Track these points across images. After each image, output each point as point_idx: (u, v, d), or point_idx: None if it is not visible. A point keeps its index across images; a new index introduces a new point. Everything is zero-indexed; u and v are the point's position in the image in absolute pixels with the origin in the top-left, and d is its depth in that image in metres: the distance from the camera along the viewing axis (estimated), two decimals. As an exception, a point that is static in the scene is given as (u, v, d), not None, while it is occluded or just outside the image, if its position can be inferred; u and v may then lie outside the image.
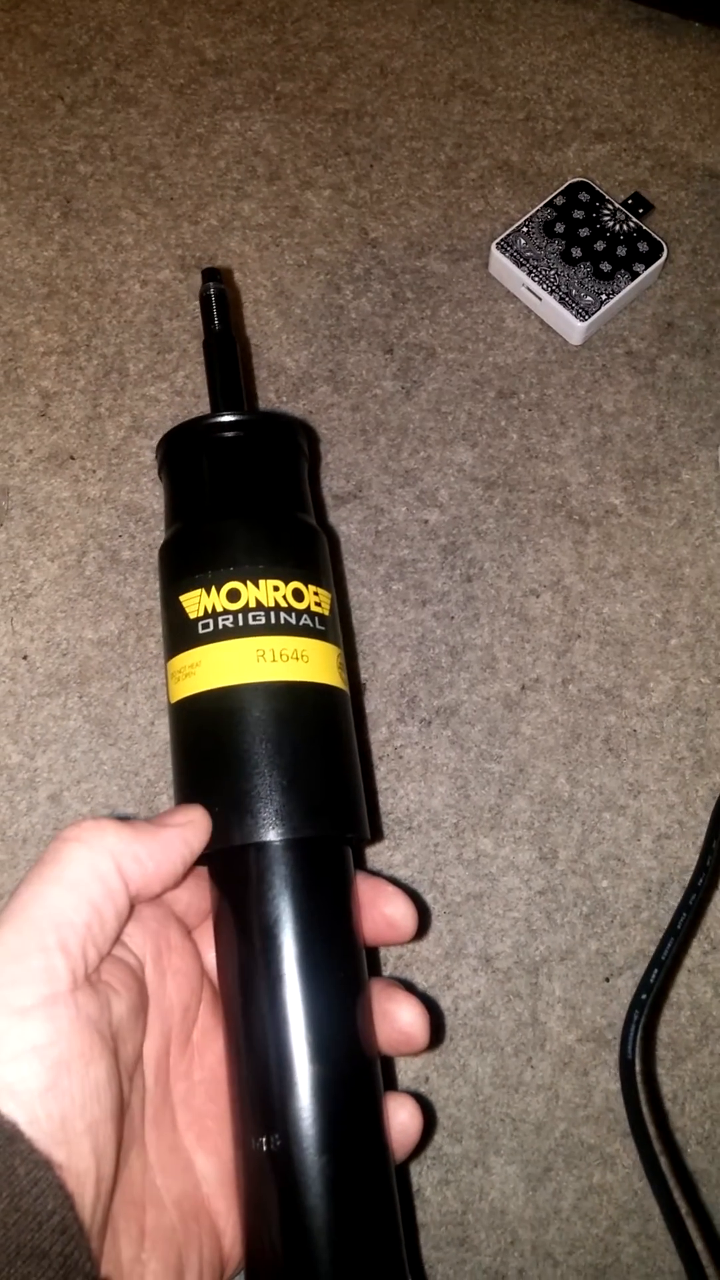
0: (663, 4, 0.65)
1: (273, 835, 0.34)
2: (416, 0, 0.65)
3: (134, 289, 0.57)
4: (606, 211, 0.56)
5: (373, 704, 0.49)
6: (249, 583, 0.37)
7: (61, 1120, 0.27)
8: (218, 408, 0.44)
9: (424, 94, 0.63)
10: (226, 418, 0.41)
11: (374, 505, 0.52)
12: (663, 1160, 0.41)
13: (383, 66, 0.63)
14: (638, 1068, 0.40)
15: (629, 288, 0.55)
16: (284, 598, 0.37)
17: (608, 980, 0.45)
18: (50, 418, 0.54)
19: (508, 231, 0.56)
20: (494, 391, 0.55)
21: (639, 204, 0.58)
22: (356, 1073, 0.34)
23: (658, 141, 0.61)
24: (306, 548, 0.39)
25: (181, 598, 0.38)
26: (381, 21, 0.65)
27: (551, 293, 0.54)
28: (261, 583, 0.37)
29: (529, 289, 0.55)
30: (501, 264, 0.56)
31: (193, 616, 0.37)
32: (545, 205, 0.57)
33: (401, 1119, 0.35)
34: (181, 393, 0.54)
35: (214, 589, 0.37)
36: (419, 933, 0.39)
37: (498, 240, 0.56)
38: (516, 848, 0.47)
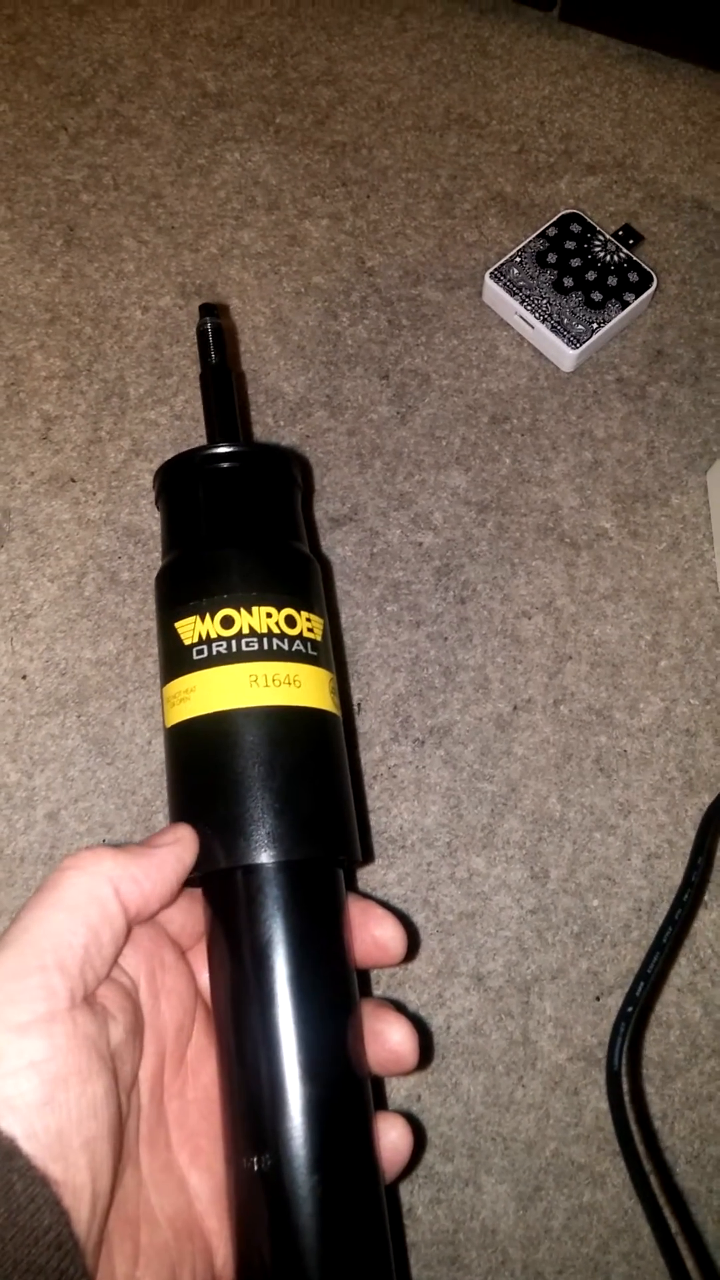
0: (652, 43, 0.66)
1: (265, 857, 0.35)
2: (413, 35, 0.67)
3: (135, 315, 0.58)
4: (598, 242, 0.58)
5: (367, 724, 0.49)
6: (243, 610, 0.38)
7: (59, 1135, 0.28)
8: (214, 439, 0.45)
9: (420, 127, 0.64)
10: (222, 449, 0.42)
11: (369, 528, 0.53)
12: (651, 1176, 0.41)
13: (380, 100, 0.65)
14: (624, 1081, 0.40)
15: (619, 316, 0.56)
16: (277, 624, 0.38)
17: (598, 999, 0.46)
18: (52, 441, 0.54)
19: (501, 261, 0.57)
20: (487, 417, 0.56)
21: (629, 235, 0.59)
22: (347, 1093, 0.34)
23: (648, 174, 0.63)
24: (299, 575, 0.40)
25: (177, 624, 0.39)
26: (379, 56, 0.66)
27: (544, 321, 0.55)
28: (255, 609, 0.38)
29: (522, 317, 0.56)
30: (495, 293, 0.57)
31: (187, 642, 0.38)
32: (538, 236, 0.58)
33: (392, 1138, 0.36)
34: (181, 417, 0.55)
35: (208, 616, 0.38)
36: (408, 955, 0.39)
37: (491, 269, 0.57)
38: (508, 867, 0.47)
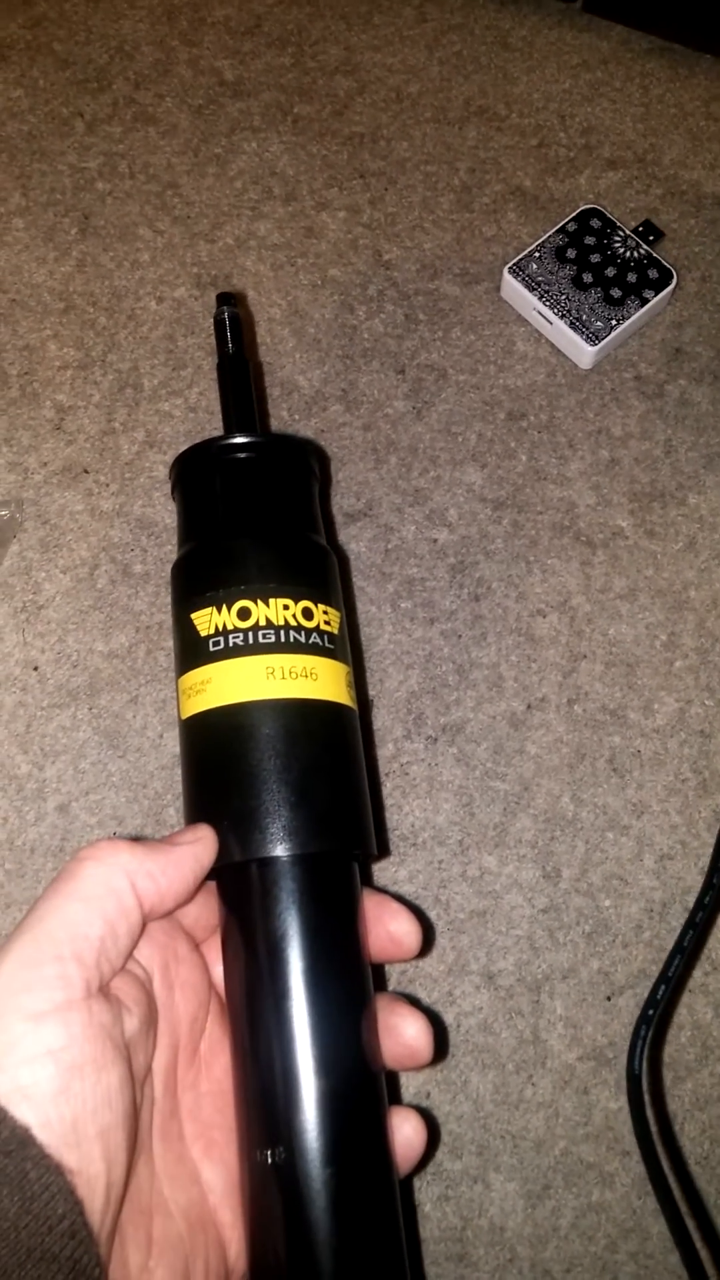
0: (675, 36, 0.66)
1: (280, 850, 0.35)
2: (433, 26, 0.66)
3: (150, 306, 0.57)
4: (617, 238, 0.57)
5: (380, 721, 0.49)
6: (259, 601, 0.38)
7: (73, 1124, 0.28)
8: (230, 429, 0.45)
9: (439, 119, 0.63)
10: (239, 439, 0.41)
11: (384, 524, 0.53)
12: (670, 1177, 0.41)
13: (399, 91, 0.64)
14: (645, 1083, 0.40)
15: (639, 314, 0.56)
16: (294, 616, 0.38)
17: (609, 999, 0.46)
18: (65, 431, 0.54)
19: (520, 256, 0.57)
20: (504, 413, 0.56)
21: (649, 231, 0.59)
22: (361, 1086, 0.34)
23: (669, 170, 0.62)
24: (316, 567, 0.40)
25: (193, 615, 0.38)
26: (398, 47, 0.66)
27: (562, 317, 0.55)
28: (272, 601, 0.38)
29: (540, 313, 0.56)
30: (513, 288, 0.57)
31: (203, 634, 0.38)
32: (557, 231, 0.57)
33: (406, 1133, 0.36)
34: (195, 409, 0.55)
35: (225, 607, 0.38)
36: (423, 950, 0.39)
37: (510, 265, 0.57)
38: (520, 866, 0.47)
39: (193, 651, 0.38)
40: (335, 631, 0.39)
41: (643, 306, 0.56)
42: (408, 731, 0.49)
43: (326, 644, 0.38)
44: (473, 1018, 0.45)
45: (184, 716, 0.38)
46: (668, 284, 0.56)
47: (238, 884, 0.36)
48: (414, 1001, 0.45)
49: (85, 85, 0.64)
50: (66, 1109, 0.28)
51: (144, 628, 0.50)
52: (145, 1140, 0.32)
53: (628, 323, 0.55)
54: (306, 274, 0.59)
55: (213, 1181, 0.34)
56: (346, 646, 0.41)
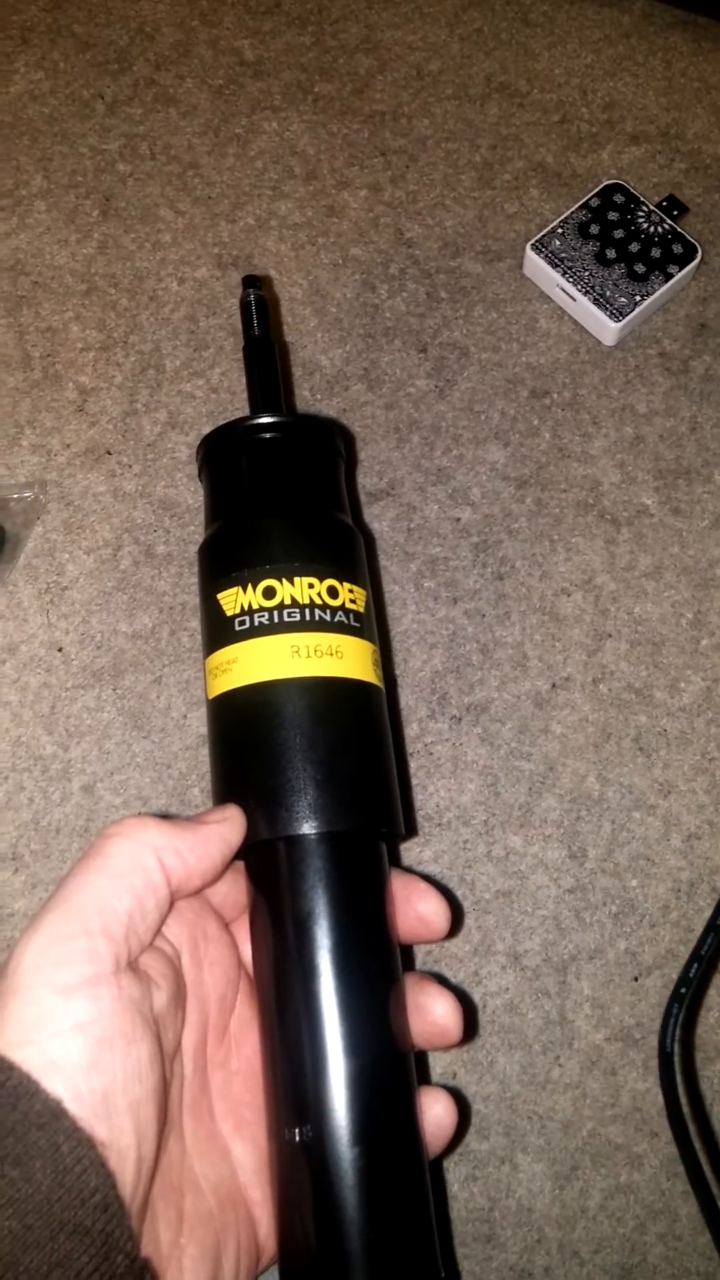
0: (699, 7, 0.65)
1: (307, 828, 0.35)
2: (453, 3, 0.66)
3: (171, 286, 0.57)
4: (641, 213, 0.56)
5: (404, 700, 0.49)
6: (285, 580, 0.37)
7: (104, 1097, 0.28)
8: (256, 410, 0.45)
9: (460, 96, 0.63)
10: (265, 419, 0.41)
11: (406, 503, 0.53)
12: (702, 1156, 0.41)
13: (419, 69, 0.64)
14: (677, 1062, 0.40)
15: (663, 289, 0.55)
16: (319, 595, 0.38)
17: (636, 980, 0.45)
18: (88, 413, 0.54)
19: (542, 233, 0.56)
20: (527, 391, 0.55)
21: (673, 206, 0.58)
22: (389, 1065, 0.34)
23: (692, 144, 0.61)
24: (342, 546, 0.40)
25: (219, 595, 0.38)
26: (419, 24, 0.65)
27: (586, 294, 0.55)
28: (297, 580, 0.38)
29: (563, 290, 0.55)
30: (536, 265, 0.56)
31: (229, 614, 0.38)
32: (580, 207, 0.57)
33: (436, 1113, 0.36)
34: (217, 389, 0.55)
35: (250, 587, 0.38)
36: (452, 931, 0.39)
37: (532, 241, 0.56)
38: (546, 846, 0.47)
39: (219, 631, 0.38)
40: (361, 610, 0.39)
41: (667, 282, 0.55)
42: (432, 711, 0.49)
43: (352, 622, 0.38)
44: (499, 998, 0.45)
45: (211, 696, 0.38)
46: (692, 259, 0.55)
47: (265, 863, 0.36)
48: (443, 981, 0.45)
49: (106, 67, 0.64)
50: (97, 1082, 0.28)
51: (167, 608, 0.50)
52: (176, 1116, 0.32)
53: (652, 298, 0.55)
54: (328, 253, 0.58)
55: (243, 1159, 0.34)
56: (373, 625, 0.40)
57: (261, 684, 0.36)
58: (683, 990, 0.40)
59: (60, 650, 0.49)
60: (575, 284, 0.55)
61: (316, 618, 0.37)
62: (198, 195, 0.60)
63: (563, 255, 0.56)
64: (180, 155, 0.61)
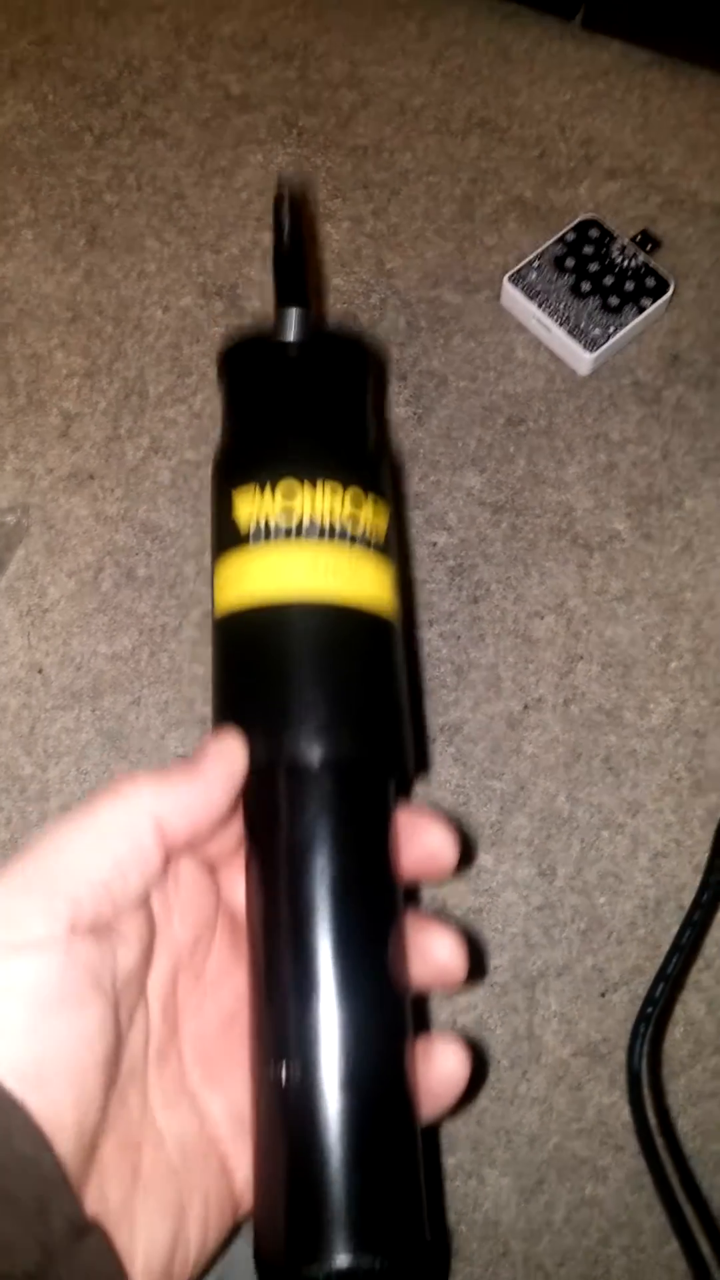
0: (675, 50, 0.66)
1: (311, 754, 0.32)
2: (435, 40, 0.67)
3: (156, 315, 0.58)
4: (615, 247, 0.58)
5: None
6: (306, 491, 0.34)
7: (42, 1063, 0.27)
8: (285, 324, 0.40)
9: (441, 131, 0.64)
10: (294, 328, 0.38)
11: (384, 527, 0.54)
12: (673, 1178, 0.42)
13: (402, 104, 0.65)
14: (645, 1079, 0.41)
15: (636, 321, 0.56)
16: (341, 509, 0.35)
17: (603, 996, 0.46)
18: (71, 438, 0.55)
19: (520, 265, 0.58)
20: (503, 419, 0.56)
21: (647, 240, 0.59)
22: (384, 1003, 0.32)
23: (667, 179, 0.63)
24: (368, 464, 0.37)
25: (235, 494, 0.35)
26: (401, 60, 0.67)
27: (561, 325, 0.56)
28: (320, 490, 0.35)
29: (539, 321, 0.57)
30: (513, 296, 0.57)
31: (244, 518, 0.35)
32: (556, 241, 0.58)
33: (448, 1065, 0.33)
34: (200, 415, 0.56)
35: (270, 490, 0.35)
36: (461, 864, 0.36)
37: (510, 273, 0.58)
38: (516, 864, 0.48)
39: (231, 534, 0.35)
40: (384, 532, 0.37)
41: (639, 314, 0.56)
42: (406, 732, 0.50)
43: (375, 544, 0.36)
44: (468, 1014, 0.46)
45: (218, 610, 0.36)
46: (664, 292, 0.57)
47: (263, 794, 0.33)
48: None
49: (94, 100, 0.65)
50: (37, 1047, 0.27)
51: (147, 630, 0.51)
52: (139, 1069, 0.31)
53: (625, 330, 0.56)
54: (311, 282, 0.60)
55: (215, 1108, 0.33)
56: (395, 550, 0.38)
57: (273, 601, 0.34)
58: (649, 1010, 0.41)
59: (40, 671, 0.50)
60: (551, 316, 0.56)
61: (338, 533, 0.34)
62: (183, 225, 0.61)
63: (539, 288, 0.57)
64: (166, 186, 0.62)
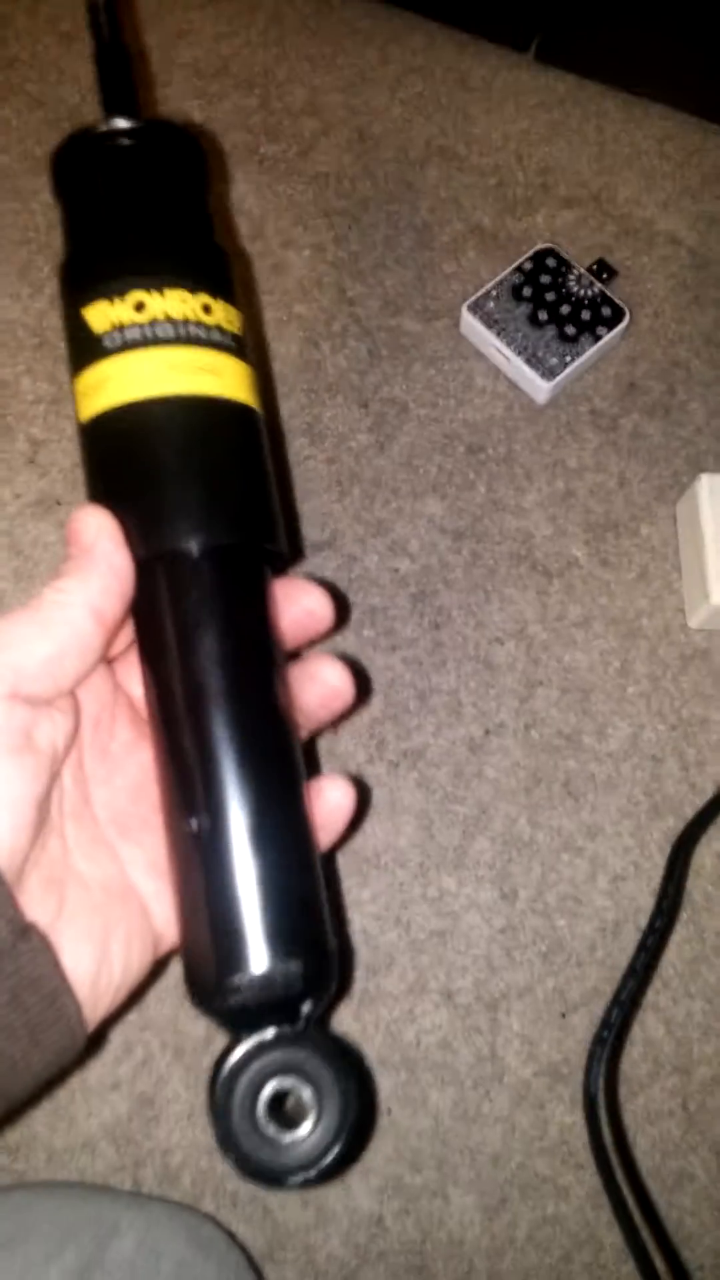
0: (626, 84, 0.68)
1: (189, 543, 0.34)
2: (395, 68, 0.68)
3: (119, 342, 0.59)
4: (572, 277, 0.59)
5: (342, 745, 0.51)
6: (155, 293, 0.35)
7: None
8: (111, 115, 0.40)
9: (401, 159, 0.65)
10: (121, 124, 0.38)
11: (347, 554, 0.55)
12: (625, 1189, 0.43)
13: (362, 132, 0.66)
14: (601, 1100, 0.42)
15: (592, 350, 0.57)
16: (193, 310, 0.36)
17: (564, 1016, 0.47)
18: (38, 464, 0.56)
19: (478, 294, 0.59)
20: (463, 446, 0.57)
21: (603, 269, 0.61)
22: (278, 750, 0.35)
23: (623, 208, 0.64)
24: (213, 263, 0.38)
25: (85, 310, 0.36)
26: (361, 88, 0.68)
27: (519, 354, 0.57)
28: (168, 294, 0.36)
29: (498, 349, 0.58)
30: (472, 325, 0.58)
31: (98, 330, 0.36)
32: (514, 270, 0.59)
33: (336, 798, 0.36)
34: (163, 443, 0.56)
35: (119, 299, 0.35)
36: (339, 622, 0.39)
37: (468, 302, 0.59)
38: (478, 887, 0.49)
39: (87, 349, 0.36)
40: (238, 331, 0.38)
41: (596, 343, 0.57)
42: (370, 756, 0.51)
43: (229, 341, 0.37)
44: (432, 1035, 0.47)
45: (83, 419, 0.36)
46: (620, 321, 0.58)
47: (147, 586, 0.35)
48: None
49: (58, 125, 0.65)
50: None
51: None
52: (55, 822, 0.34)
53: (582, 359, 0.57)
54: (272, 310, 0.60)
55: (132, 857, 0.36)
56: (250, 350, 0.39)
57: (137, 402, 0.35)
58: (604, 1034, 0.42)
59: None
60: (509, 345, 0.57)
61: (192, 334, 0.36)
62: (146, 252, 0.61)
63: (497, 317, 0.58)
64: (130, 213, 0.63)
